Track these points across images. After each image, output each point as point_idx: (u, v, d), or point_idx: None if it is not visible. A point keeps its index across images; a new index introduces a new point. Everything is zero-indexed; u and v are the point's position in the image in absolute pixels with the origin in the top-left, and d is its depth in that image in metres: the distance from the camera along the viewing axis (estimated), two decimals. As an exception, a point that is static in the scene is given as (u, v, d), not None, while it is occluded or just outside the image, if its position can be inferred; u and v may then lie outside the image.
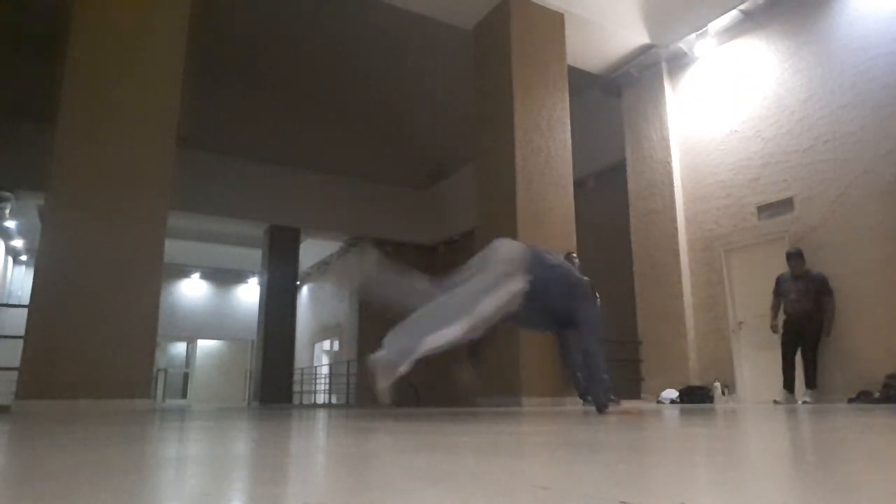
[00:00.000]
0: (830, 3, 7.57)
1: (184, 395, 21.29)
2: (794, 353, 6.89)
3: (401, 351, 3.33)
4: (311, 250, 17.14)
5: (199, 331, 20.40)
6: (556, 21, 8.52)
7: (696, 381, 8.26)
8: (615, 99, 10.23)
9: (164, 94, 6.31)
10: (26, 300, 5.60)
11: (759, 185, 8.06)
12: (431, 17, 8.86)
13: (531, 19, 8.30)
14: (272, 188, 13.98)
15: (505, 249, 3.88)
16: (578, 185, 8.52)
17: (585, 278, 6.25)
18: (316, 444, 2.06)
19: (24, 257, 16.42)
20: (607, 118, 10.45)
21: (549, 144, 8.02)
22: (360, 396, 14.21)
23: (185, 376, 21.48)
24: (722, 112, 8.69)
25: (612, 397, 4.60)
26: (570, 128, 8.28)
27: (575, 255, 7.09)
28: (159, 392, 19.42)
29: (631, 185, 9.67)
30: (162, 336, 11.84)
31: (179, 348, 21.93)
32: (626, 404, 5.91)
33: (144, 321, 5.82)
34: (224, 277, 20.39)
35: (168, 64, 6.41)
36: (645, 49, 9.40)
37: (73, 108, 5.88)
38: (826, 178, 7.34)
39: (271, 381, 13.79)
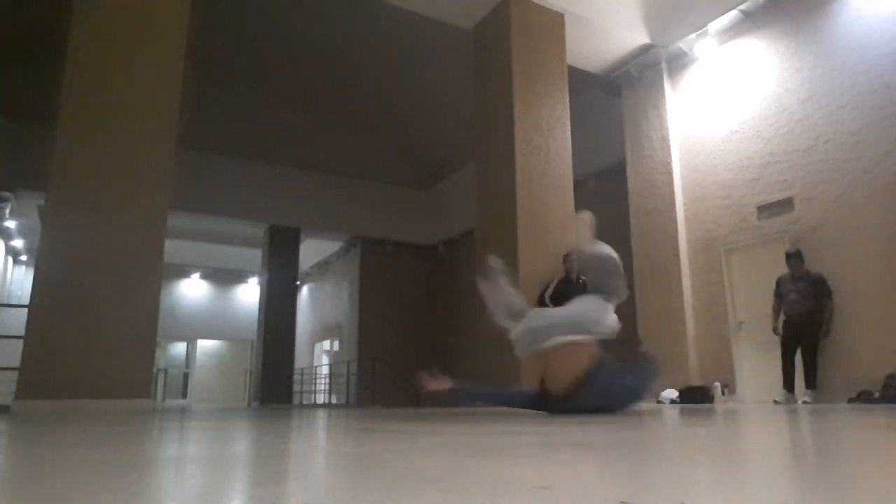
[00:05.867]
0: (830, 3, 7.57)
1: (184, 395, 21.29)
2: (793, 354, 6.88)
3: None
4: (311, 250, 17.14)
5: (199, 331, 20.39)
6: (556, 21, 8.52)
7: (696, 381, 8.26)
8: (615, 99, 10.23)
9: (164, 94, 6.31)
10: (26, 300, 5.60)
11: (759, 185, 8.06)
12: (431, 17, 8.86)
13: (531, 19, 8.30)
14: (272, 188, 13.98)
15: None
16: (578, 185, 8.52)
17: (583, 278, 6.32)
18: (316, 444, 2.06)
19: (24, 257, 16.42)
20: (607, 118, 10.45)
21: (549, 144, 8.02)
22: (360, 396, 14.21)
23: (185, 376, 21.48)
24: (722, 112, 8.68)
25: None
26: (570, 128, 8.28)
27: (574, 255, 7.07)
28: (159, 392, 19.43)
29: (631, 185, 9.67)
30: (162, 336, 11.85)
31: (179, 348, 21.93)
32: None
33: (144, 321, 5.82)
34: (224, 277, 20.38)
35: (168, 64, 6.41)
36: (645, 49, 9.40)
37: (73, 108, 5.88)
38: (826, 178, 7.33)
39: (271, 381, 13.79)
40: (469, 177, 10.65)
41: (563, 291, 6.75)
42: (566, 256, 7.11)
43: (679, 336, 8.57)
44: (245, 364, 19.64)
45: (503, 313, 4.18)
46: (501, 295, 4.23)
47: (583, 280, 6.71)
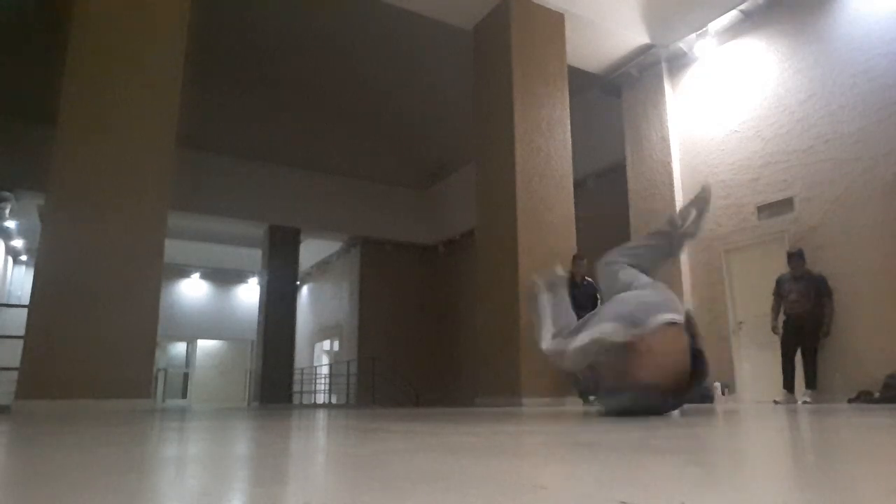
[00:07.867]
0: (830, 3, 7.57)
1: (184, 395, 21.29)
2: (794, 353, 6.88)
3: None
4: (311, 250, 17.14)
5: (199, 331, 20.39)
6: (556, 21, 8.52)
7: (696, 381, 8.25)
8: (615, 99, 10.23)
9: (164, 94, 6.31)
10: (26, 300, 5.60)
11: (759, 185, 8.06)
12: (431, 17, 8.86)
13: (531, 19, 8.30)
14: (272, 188, 13.98)
15: None
16: (578, 185, 8.52)
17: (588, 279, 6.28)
18: (316, 444, 2.06)
19: (24, 257, 16.42)
20: (607, 118, 10.45)
21: (549, 144, 8.02)
22: (360, 396, 14.21)
23: (185, 376, 21.48)
24: (722, 112, 8.68)
25: None
26: (570, 128, 8.28)
27: (582, 257, 7.06)
28: (159, 392, 19.43)
29: (631, 185, 9.67)
30: (162, 336, 11.83)
31: (179, 348, 21.92)
32: None
33: (144, 321, 5.82)
34: (224, 277, 20.38)
35: (168, 64, 6.41)
36: (645, 49, 9.40)
37: (73, 108, 5.88)
38: (826, 178, 7.33)
39: (271, 381, 13.79)
40: (469, 177, 10.64)
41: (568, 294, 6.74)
42: (575, 258, 7.09)
43: (679, 336, 8.56)
44: (245, 364, 19.64)
45: (548, 335, 3.84)
46: (546, 313, 4.00)
47: (588, 281, 6.71)
